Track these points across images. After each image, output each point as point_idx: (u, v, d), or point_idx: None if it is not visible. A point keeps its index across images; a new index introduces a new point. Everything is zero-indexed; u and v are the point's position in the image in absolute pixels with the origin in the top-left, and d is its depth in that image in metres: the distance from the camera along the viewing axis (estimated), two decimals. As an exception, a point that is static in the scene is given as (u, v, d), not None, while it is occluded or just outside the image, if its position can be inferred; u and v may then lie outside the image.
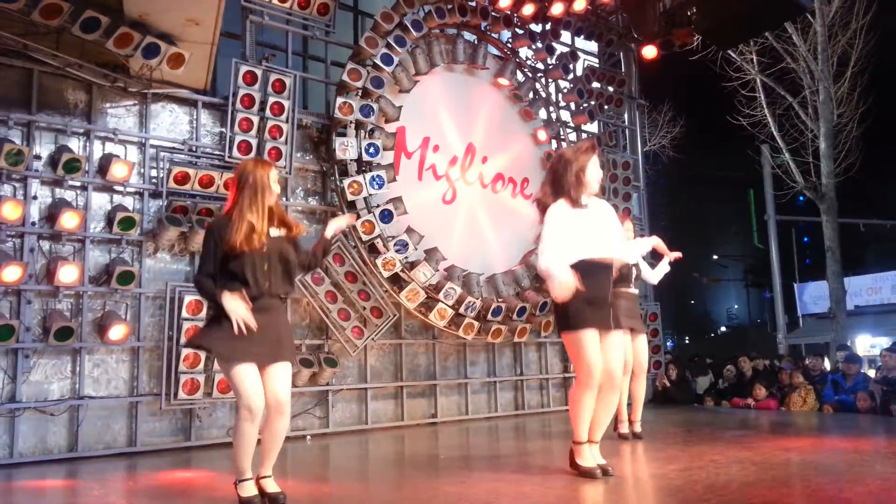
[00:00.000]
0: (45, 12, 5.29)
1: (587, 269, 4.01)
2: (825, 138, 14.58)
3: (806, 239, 26.30)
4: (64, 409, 5.72)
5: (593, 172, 4.20)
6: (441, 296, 7.49)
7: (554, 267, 3.95)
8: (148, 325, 6.16)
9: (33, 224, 5.73)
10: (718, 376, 10.57)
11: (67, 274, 5.63)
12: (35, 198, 5.77)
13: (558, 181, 4.19)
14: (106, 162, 6.01)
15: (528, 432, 7.18)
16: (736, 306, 38.01)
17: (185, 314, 6.01)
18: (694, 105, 18.93)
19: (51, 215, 5.76)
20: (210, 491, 4.42)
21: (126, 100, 6.34)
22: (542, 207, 4.23)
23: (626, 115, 10.57)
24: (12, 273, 5.40)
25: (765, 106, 15.41)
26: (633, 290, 6.20)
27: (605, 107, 9.92)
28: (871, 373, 9.95)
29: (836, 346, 12.87)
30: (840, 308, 14.84)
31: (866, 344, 18.66)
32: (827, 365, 10.80)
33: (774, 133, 15.46)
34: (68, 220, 5.69)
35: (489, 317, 7.83)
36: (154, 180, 6.32)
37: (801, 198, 17.34)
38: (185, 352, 5.96)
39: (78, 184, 5.97)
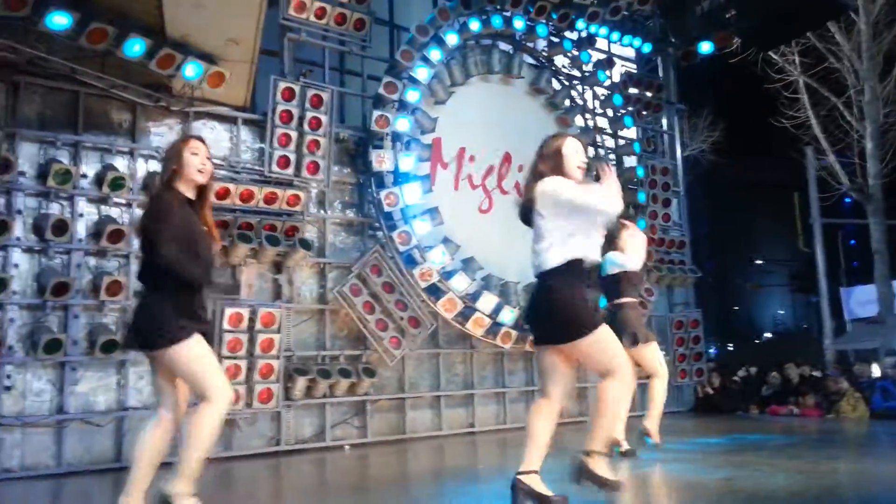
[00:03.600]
0: (91, 37, 5.46)
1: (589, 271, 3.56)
2: (871, 138, 14.21)
3: (853, 242, 25.62)
4: (109, 419, 5.87)
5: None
6: (478, 305, 7.49)
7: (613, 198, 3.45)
8: (191, 337, 6.27)
9: (80, 241, 5.91)
10: (763, 383, 10.37)
11: (112, 289, 5.78)
12: (82, 215, 5.95)
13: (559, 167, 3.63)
14: (150, 179, 6.16)
15: (566, 442, 7.12)
16: (781, 312, 37.19)
17: (226, 326, 6.11)
18: (735, 108, 18.66)
19: (97, 232, 5.93)
20: (252, 501, 4.48)
21: (169, 118, 6.50)
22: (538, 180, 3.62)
23: (664, 121, 10.47)
24: (60, 289, 5.57)
25: (808, 107, 15.09)
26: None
27: (644, 112, 9.84)
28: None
29: (885, 352, 12.52)
30: (889, 312, 14.41)
31: (918, 349, 18.07)
32: (875, 371, 10.50)
33: (818, 134, 15.13)
34: (113, 237, 5.84)
35: (526, 325, 7.80)
36: (196, 196, 6.45)
37: (848, 199, 16.91)
38: (226, 363, 6.06)
39: (123, 201, 6.14)
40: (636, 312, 5.61)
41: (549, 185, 3.54)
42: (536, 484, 3.41)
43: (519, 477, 3.42)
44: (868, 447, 6.17)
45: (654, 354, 5.60)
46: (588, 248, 3.51)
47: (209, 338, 3.41)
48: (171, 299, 3.25)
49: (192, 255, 3.29)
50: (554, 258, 3.46)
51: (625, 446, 5.31)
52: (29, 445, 5.54)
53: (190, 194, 3.43)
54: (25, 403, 5.57)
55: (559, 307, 3.42)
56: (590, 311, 3.45)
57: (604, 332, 3.45)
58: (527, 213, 3.66)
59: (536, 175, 3.63)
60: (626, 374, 3.47)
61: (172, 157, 3.42)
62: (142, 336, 3.29)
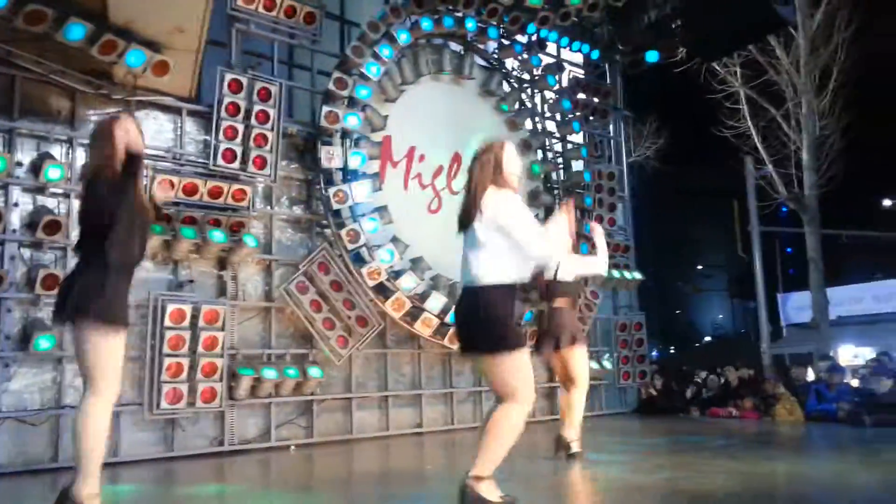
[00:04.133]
0: (28, 19, 5.24)
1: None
2: (808, 150, 14.71)
3: (789, 250, 26.50)
4: (45, 418, 5.64)
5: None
6: (427, 305, 7.46)
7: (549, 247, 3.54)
8: (130, 334, 6.07)
9: (14, 231, 5.67)
10: (703, 386, 10.59)
11: (48, 282, 5.56)
12: (16, 205, 5.71)
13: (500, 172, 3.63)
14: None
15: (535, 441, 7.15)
16: (721, 316, 38.23)
17: (168, 323, 5.95)
18: (678, 116, 19.08)
19: (32, 223, 5.70)
20: (194, 502, 4.37)
21: (110, 107, 6.28)
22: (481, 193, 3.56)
23: (611, 126, 10.63)
24: (-8, 281, 5.34)
25: (748, 118, 15.53)
26: None
27: (591, 118, 9.97)
28: (854, 382, 10.02)
29: (819, 356, 12.94)
30: (823, 318, 14.95)
31: (849, 354, 18.77)
32: (810, 375, 10.85)
33: (758, 145, 15.59)
34: (49, 228, 5.62)
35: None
36: (138, 188, 6.26)
37: (785, 209, 17.46)
38: (167, 361, 5.90)
39: (60, 191, 5.92)
40: (570, 315, 5.65)
41: (495, 202, 3.50)
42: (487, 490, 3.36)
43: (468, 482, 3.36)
44: (803, 449, 6.35)
45: (581, 359, 5.59)
46: (523, 268, 3.53)
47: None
48: (114, 281, 3.31)
49: (138, 240, 3.42)
50: (491, 273, 3.45)
51: (574, 449, 5.34)
52: (-46, 445, 5.29)
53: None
54: (-48, 401, 5.32)
55: (490, 322, 3.39)
56: (517, 331, 3.46)
57: (522, 358, 3.43)
58: (465, 221, 3.62)
59: (476, 184, 3.58)
60: (527, 403, 3.43)
61: (106, 139, 3.47)
62: (75, 306, 3.31)
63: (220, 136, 6.50)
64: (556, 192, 9.48)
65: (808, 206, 14.91)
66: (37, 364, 5.67)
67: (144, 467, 5.75)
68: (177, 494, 4.78)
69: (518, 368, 3.41)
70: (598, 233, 5.66)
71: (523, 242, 3.43)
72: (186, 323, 6.02)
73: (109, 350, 3.37)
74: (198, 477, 5.35)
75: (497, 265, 3.45)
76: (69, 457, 5.52)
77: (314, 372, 6.75)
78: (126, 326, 3.47)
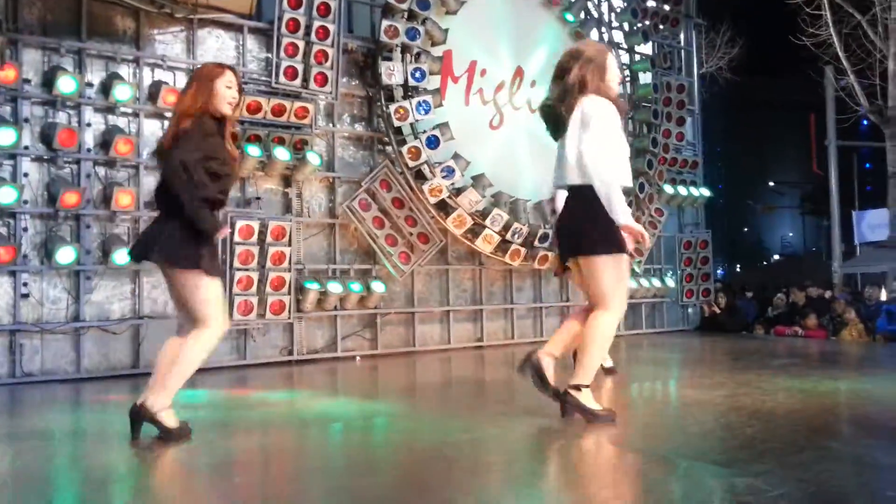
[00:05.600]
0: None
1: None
2: (894, 58, 13.80)
3: (868, 165, 25.31)
4: (126, 328, 5.98)
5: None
6: (488, 222, 7.48)
7: (621, 197, 3.37)
8: (202, 249, 6.32)
9: (89, 151, 5.87)
10: (769, 304, 10.44)
11: (123, 199, 5.79)
12: (89, 125, 5.89)
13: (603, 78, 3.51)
14: (156, 89, 6.07)
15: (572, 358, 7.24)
16: (791, 234, 37.14)
17: (237, 238, 6.14)
18: (754, 25, 18.08)
19: (105, 142, 5.89)
20: (266, 406, 4.61)
21: (173, 26, 6.35)
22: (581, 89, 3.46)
23: (681, 36, 10.17)
24: (71, 198, 5.58)
25: (831, 24, 14.59)
26: None
27: (661, 27, 9.55)
28: (930, 303, 9.70)
29: (894, 276, 12.53)
30: (900, 236, 14.36)
31: (926, 274, 18.08)
32: (883, 295, 10.54)
33: (839, 53, 14.68)
34: (122, 147, 5.81)
35: (536, 243, 7.82)
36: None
37: (865, 122, 16.58)
38: (238, 275, 6.12)
39: (129, 111, 6.07)
40: None
41: (596, 109, 3.40)
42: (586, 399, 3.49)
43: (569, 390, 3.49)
44: (868, 368, 6.24)
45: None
46: (626, 174, 3.49)
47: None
48: (190, 229, 3.24)
49: (219, 188, 3.30)
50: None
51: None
52: (48, 351, 5.68)
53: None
54: (43, 311, 5.67)
55: (599, 221, 3.36)
56: (621, 235, 3.39)
57: (624, 263, 3.46)
58: (559, 121, 3.53)
59: (576, 83, 3.46)
60: (619, 312, 3.49)
61: (205, 86, 3.34)
62: (164, 252, 3.27)
63: (281, 54, 6.50)
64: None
65: (891, 119, 14.09)
66: (116, 277, 5.97)
67: (219, 374, 6.07)
68: (251, 399, 5.05)
69: (620, 273, 3.46)
70: None
71: (601, 172, 3.33)
72: (255, 238, 6.22)
73: (203, 292, 3.31)
74: (269, 384, 5.63)
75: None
76: (148, 363, 5.89)
77: (377, 287, 6.92)
78: (217, 273, 3.37)
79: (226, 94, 3.36)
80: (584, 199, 3.41)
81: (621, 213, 3.35)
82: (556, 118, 3.56)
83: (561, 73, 3.56)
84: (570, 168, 3.45)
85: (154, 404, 3.27)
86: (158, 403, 3.28)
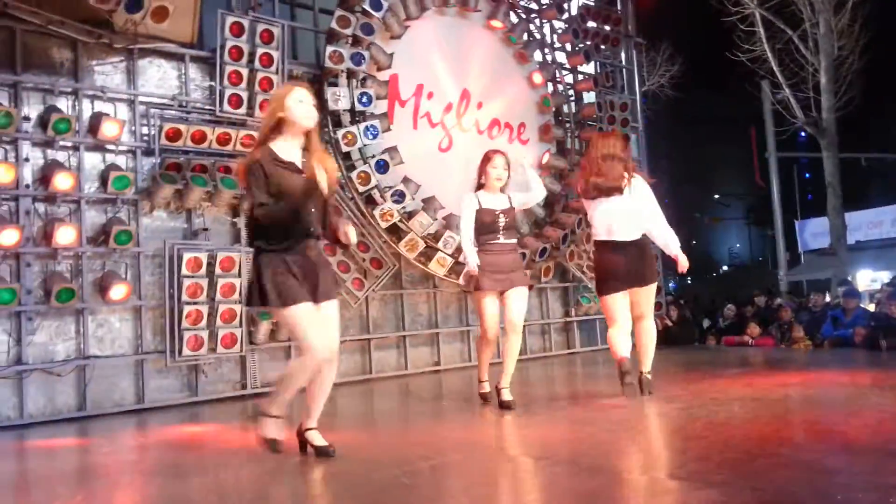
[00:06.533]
0: (23, -32, 5.16)
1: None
2: (825, 72, 14.33)
3: (807, 175, 26.14)
4: (71, 369, 5.78)
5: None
6: (440, 244, 7.48)
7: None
8: (149, 283, 6.18)
9: (27, 186, 5.70)
10: (719, 315, 10.64)
11: (65, 235, 5.62)
12: (27, 160, 5.73)
13: None
14: (96, 121, 5.94)
15: (531, 377, 7.26)
16: (738, 245, 38.04)
17: (185, 272, 6.01)
18: (692, 42, 18.58)
19: (44, 177, 5.72)
20: (219, 443, 4.50)
21: (112, 56, 6.23)
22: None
23: (623, 55, 10.40)
24: (10, 236, 5.39)
25: (764, 40, 15.09)
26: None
27: (602, 46, 9.75)
28: (872, 307, 10.01)
29: (837, 282, 12.91)
30: (840, 244, 14.82)
31: (867, 279, 18.71)
32: (828, 300, 10.85)
33: (774, 68, 15.20)
34: (62, 182, 5.65)
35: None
36: (146, 138, 6.26)
37: (803, 134, 17.15)
38: (186, 309, 5.99)
39: (69, 144, 5.92)
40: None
41: (644, 186, 5.17)
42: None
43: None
44: (817, 374, 6.38)
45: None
46: None
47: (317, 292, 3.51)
48: (261, 262, 3.45)
49: (286, 214, 3.36)
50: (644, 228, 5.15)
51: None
52: (-14, 397, 5.45)
53: (295, 143, 3.49)
54: (-20, 355, 5.45)
55: (653, 261, 5.39)
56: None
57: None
58: (614, 190, 5.03)
59: (627, 166, 5.14)
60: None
61: (277, 108, 3.44)
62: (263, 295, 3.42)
63: (225, 82, 6.43)
64: (567, 125, 9.35)
65: (826, 130, 14.61)
66: (59, 316, 5.78)
67: (171, 412, 5.91)
68: (204, 436, 4.92)
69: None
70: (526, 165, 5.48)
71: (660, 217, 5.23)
72: (203, 271, 6.09)
73: (287, 322, 3.50)
74: (222, 420, 5.49)
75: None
76: (94, 406, 5.72)
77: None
78: (288, 302, 3.39)
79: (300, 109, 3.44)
80: (643, 246, 5.15)
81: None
82: (612, 190, 5.09)
83: (614, 155, 5.18)
84: (635, 224, 5.12)
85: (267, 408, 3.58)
86: (269, 409, 3.56)
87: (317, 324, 3.41)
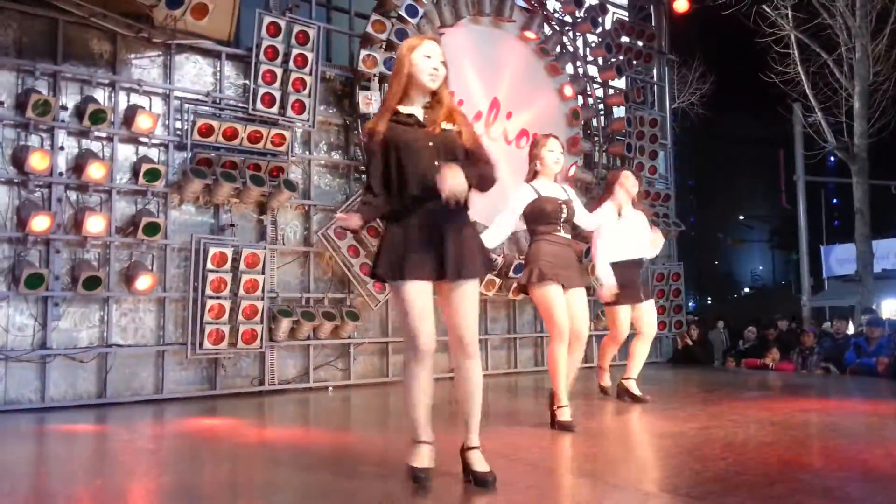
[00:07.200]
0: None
1: None
2: (860, 97, 14.16)
3: (835, 200, 25.84)
4: (93, 356, 5.86)
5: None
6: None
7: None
8: (174, 276, 6.26)
9: (61, 174, 5.80)
10: (739, 337, 10.54)
11: (95, 224, 5.72)
12: (62, 148, 5.83)
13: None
14: (131, 113, 6.04)
15: (546, 389, 7.22)
16: (760, 267, 37.68)
17: (210, 266, 6.08)
18: (725, 61, 18.46)
19: (77, 166, 5.83)
20: (236, 437, 4.53)
21: (150, 51, 6.33)
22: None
23: (654, 71, 10.38)
24: (41, 223, 5.49)
25: (798, 63, 14.97)
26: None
27: (634, 62, 9.73)
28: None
29: (861, 310, 12.73)
30: (867, 271, 14.61)
31: (893, 308, 18.43)
32: (851, 328, 10.70)
33: (807, 91, 15.06)
34: (95, 171, 5.75)
35: (511, 273, 7.83)
36: (178, 132, 6.35)
37: (832, 158, 16.95)
38: (209, 303, 6.05)
39: (104, 135, 6.02)
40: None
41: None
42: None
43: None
44: (838, 401, 6.30)
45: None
46: None
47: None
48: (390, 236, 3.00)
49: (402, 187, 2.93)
50: None
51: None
52: (12, 379, 5.53)
53: (419, 103, 3.07)
54: (8, 337, 5.54)
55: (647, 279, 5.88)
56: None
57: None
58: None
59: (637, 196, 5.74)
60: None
61: (404, 65, 3.04)
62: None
63: (259, 81, 6.51)
64: (595, 138, 9.33)
65: (857, 156, 14.42)
66: (84, 304, 5.86)
67: (189, 404, 5.96)
68: (221, 430, 4.96)
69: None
70: None
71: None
72: (228, 266, 6.16)
73: (399, 302, 3.01)
74: (240, 414, 5.53)
75: None
76: (114, 393, 5.79)
77: (352, 316, 6.87)
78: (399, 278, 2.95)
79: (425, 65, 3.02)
80: (642, 265, 5.82)
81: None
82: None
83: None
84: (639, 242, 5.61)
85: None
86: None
87: (429, 310, 2.91)
